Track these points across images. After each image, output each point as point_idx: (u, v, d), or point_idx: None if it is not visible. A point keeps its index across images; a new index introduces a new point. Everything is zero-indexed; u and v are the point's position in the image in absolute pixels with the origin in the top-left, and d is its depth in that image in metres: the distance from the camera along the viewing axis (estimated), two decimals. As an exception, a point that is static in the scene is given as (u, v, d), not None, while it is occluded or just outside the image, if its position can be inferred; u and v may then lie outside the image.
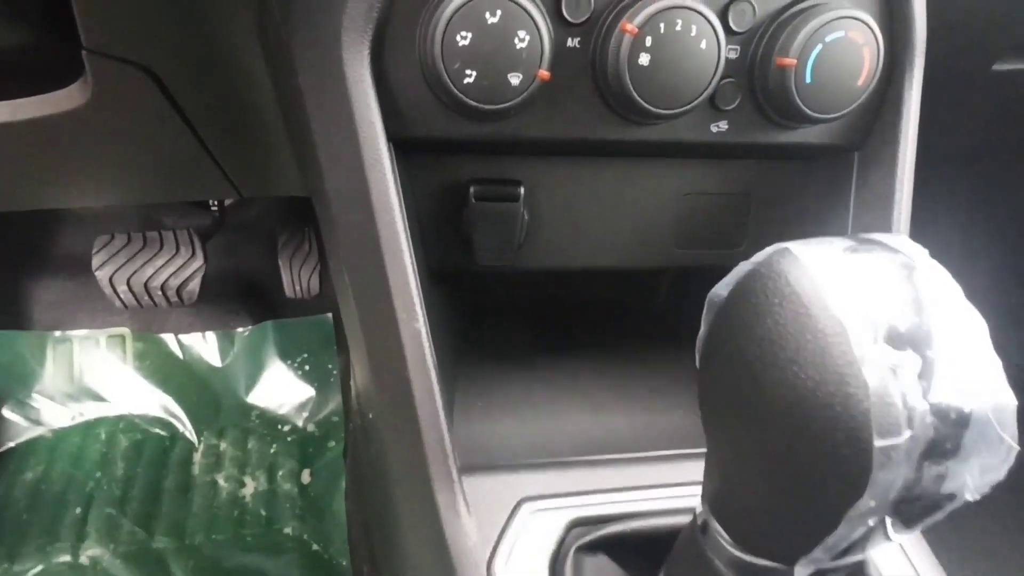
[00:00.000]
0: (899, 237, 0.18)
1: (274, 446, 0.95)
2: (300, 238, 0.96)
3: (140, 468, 0.88)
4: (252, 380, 1.01)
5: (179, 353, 1.00)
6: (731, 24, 0.34)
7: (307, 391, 1.00)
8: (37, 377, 0.93)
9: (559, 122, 0.34)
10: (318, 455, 0.94)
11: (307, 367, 1.01)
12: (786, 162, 0.42)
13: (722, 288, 0.21)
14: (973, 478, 0.15)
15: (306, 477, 0.91)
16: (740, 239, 0.44)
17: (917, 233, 0.38)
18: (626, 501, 0.32)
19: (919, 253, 0.17)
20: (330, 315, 1.04)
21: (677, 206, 0.43)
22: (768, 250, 0.18)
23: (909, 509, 0.16)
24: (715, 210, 0.43)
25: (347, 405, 0.96)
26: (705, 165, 0.41)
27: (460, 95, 0.30)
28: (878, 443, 0.15)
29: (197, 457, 0.92)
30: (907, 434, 0.15)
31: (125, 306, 0.85)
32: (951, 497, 0.16)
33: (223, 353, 1.02)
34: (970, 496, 0.16)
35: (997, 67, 0.65)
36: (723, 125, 0.36)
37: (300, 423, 0.98)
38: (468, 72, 0.30)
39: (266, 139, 0.52)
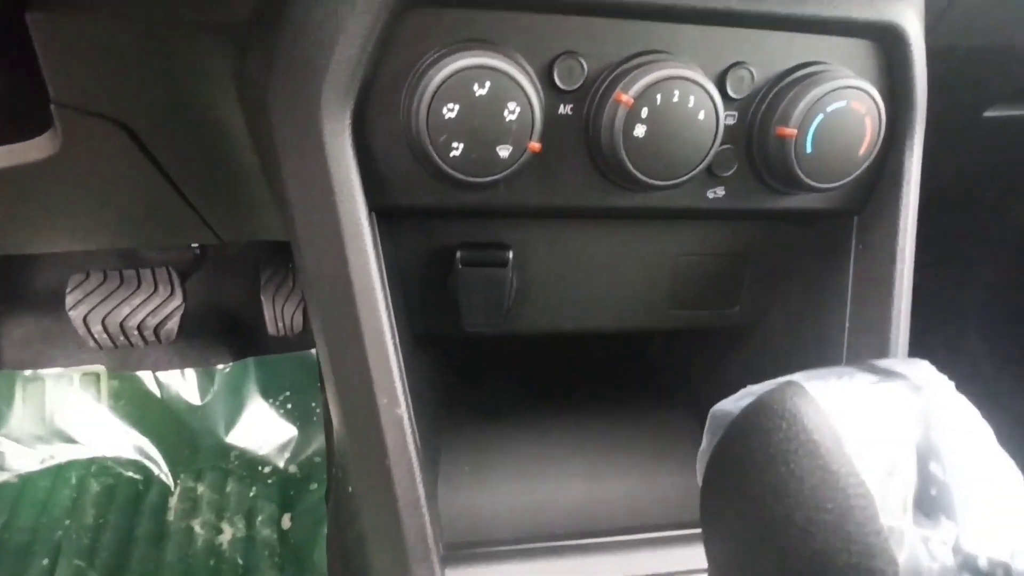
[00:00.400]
0: (919, 366, 0.16)
1: (254, 488, 0.91)
2: (283, 275, 0.94)
3: (112, 515, 0.84)
4: (232, 419, 0.98)
5: (156, 391, 0.96)
6: (729, 90, 0.32)
7: (289, 430, 0.97)
8: (4, 418, 0.90)
9: (551, 190, 0.33)
10: (299, 498, 0.90)
11: (289, 405, 0.98)
12: (784, 223, 0.40)
13: (729, 405, 0.19)
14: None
15: (286, 522, 0.88)
16: (735, 300, 0.43)
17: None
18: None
19: (943, 390, 0.16)
20: (314, 351, 1.01)
21: (671, 267, 0.41)
22: (779, 383, 0.17)
23: None
24: (710, 271, 0.42)
25: (330, 445, 0.93)
26: (700, 226, 0.40)
27: (447, 168, 0.29)
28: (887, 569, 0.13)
29: (173, 502, 0.89)
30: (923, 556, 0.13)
31: (100, 346, 0.82)
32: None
33: (203, 391, 0.98)
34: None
35: (988, 114, 0.65)
36: (720, 191, 0.35)
37: (281, 464, 0.95)
38: (455, 145, 0.28)
39: (245, 187, 0.50)
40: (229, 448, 0.95)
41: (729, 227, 0.40)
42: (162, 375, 0.97)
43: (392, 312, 0.32)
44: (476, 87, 0.28)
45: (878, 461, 0.14)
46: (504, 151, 0.29)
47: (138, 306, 0.82)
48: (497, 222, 0.37)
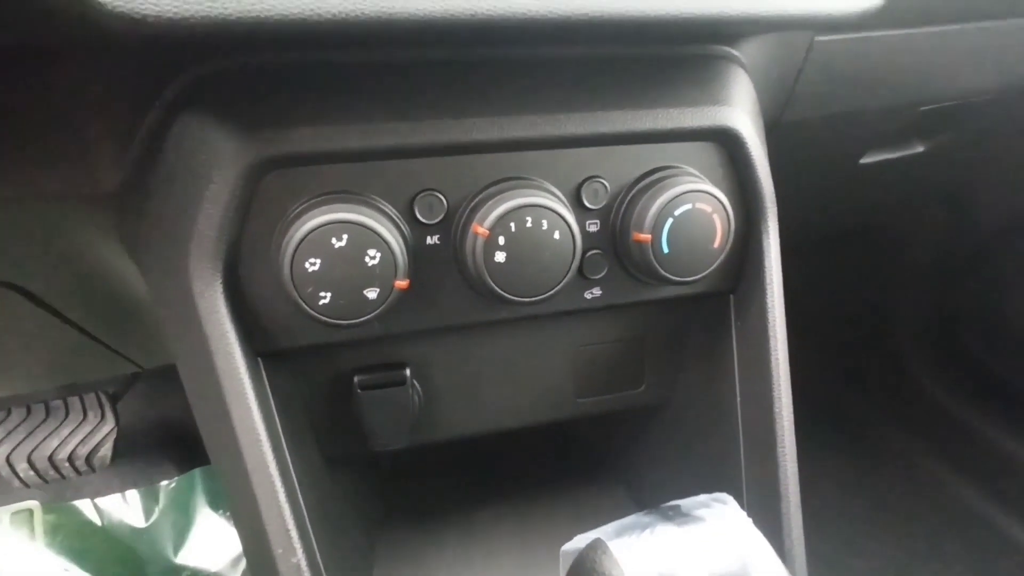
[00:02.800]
0: (720, 510, 0.18)
1: (208, 612, 0.87)
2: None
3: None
4: (181, 537, 0.94)
5: (97, 520, 0.92)
6: (585, 203, 0.35)
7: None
8: (-70, 574, 0.84)
9: (431, 313, 0.34)
10: None
11: (240, 514, 0.95)
12: (673, 306, 0.42)
13: (572, 546, 0.20)
14: None
15: None
16: (640, 381, 0.44)
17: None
18: None
19: (740, 531, 0.17)
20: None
21: (572, 358, 0.42)
22: (589, 539, 0.18)
23: None
24: (611, 356, 0.43)
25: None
26: (596, 317, 0.42)
27: (318, 315, 0.30)
28: None
29: (121, 640, 0.84)
30: None
31: (27, 485, 0.79)
32: None
33: (147, 511, 0.94)
34: None
35: (864, 161, 0.70)
36: (596, 291, 0.37)
37: (236, 579, 0.91)
38: (323, 294, 0.30)
39: (153, 318, 0.50)
40: (179, 569, 0.91)
41: (623, 313, 0.42)
42: (101, 502, 0.92)
43: (287, 447, 0.32)
44: (334, 240, 0.29)
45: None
46: (372, 293, 0.30)
47: (67, 436, 0.79)
48: (391, 341, 0.38)
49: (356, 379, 0.37)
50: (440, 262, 0.33)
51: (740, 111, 0.36)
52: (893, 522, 0.97)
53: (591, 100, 0.33)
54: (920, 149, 0.72)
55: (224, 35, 0.23)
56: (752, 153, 0.36)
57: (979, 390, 1.05)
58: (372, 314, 0.30)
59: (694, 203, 0.34)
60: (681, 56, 0.35)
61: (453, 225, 0.32)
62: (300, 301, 0.29)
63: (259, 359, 0.32)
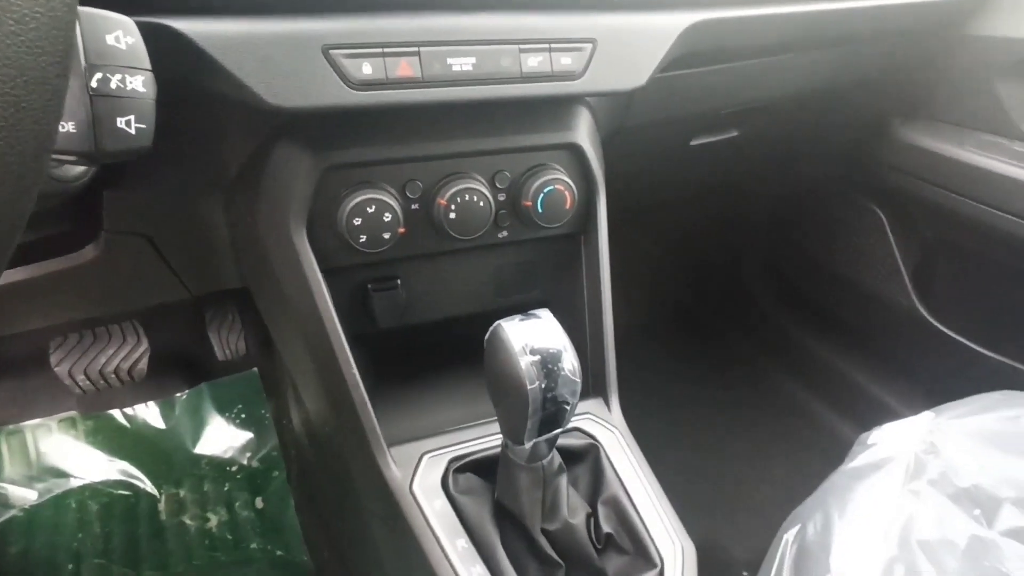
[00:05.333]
0: (544, 312, 0.48)
1: (227, 484, 1.14)
2: (223, 315, 1.17)
3: (114, 524, 1.05)
4: (196, 435, 1.20)
5: (126, 423, 1.17)
6: (497, 185, 0.63)
7: (246, 435, 1.21)
8: None
9: (415, 246, 0.62)
10: (266, 485, 1.15)
11: (243, 416, 1.22)
12: (551, 241, 0.72)
13: (489, 331, 0.49)
14: (566, 394, 0.45)
15: (259, 503, 1.12)
16: (532, 287, 0.74)
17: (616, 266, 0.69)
18: (478, 445, 0.60)
19: (548, 317, 0.47)
20: (255, 370, 1.25)
21: (494, 273, 0.72)
22: (498, 322, 0.47)
23: (548, 409, 0.45)
24: (516, 272, 0.72)
25: (283, 440, 1.18)
26: (505, 248, 0.70)
27: (358, 247, 0.57)
28: (529, 386, 0.44)
29: (162, 506, 1.10)
30: (537, 383, 0.44)
31: (84, 392, 1.02)
32: (565, 403, 0.46)
33: (166, 417, 1.19)
34: (570, 398, 0.45)
35: (693, 143, 1.01)
36: (505, 233, 0.66)
37: (245, 462, 1.18)
38: (361, 236, 0.57)
39: (215, 254, 0.75)
40: (199, 458, 1.17)
41: (521, 246, 0.71)
42: (128, 411, 1.17)
43: (337, 319, 0.60)
44: (367, 208, 0.56)
45: (519, 342, 0.45)
46: (387, 235, 0.58)
47: (111, 355, 1.02)
48: (389, 266, 0.66)
49: (370, 286, 0.65)
50: (420, 220, 0.61)
51: (582, 132, 0.65)
52: (727, 410, 1.34)
53: (500, 128, 0.61)
54: (735, 133, 1.04)
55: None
56: (589, 157, 0.65)
57: (800, 309, 1.43)
58: (387, 247, 0.59)
59: (555, 185, 0.63)
60: (549, 103, 0.63)
61: (428, 198, 0.61)
62: (349, 240, 0.57)
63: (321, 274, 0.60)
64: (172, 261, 0.71)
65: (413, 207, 0.60)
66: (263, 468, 1.17)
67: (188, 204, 0.63)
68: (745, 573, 0.94)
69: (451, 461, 0.58)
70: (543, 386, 0.44)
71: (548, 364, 0.45)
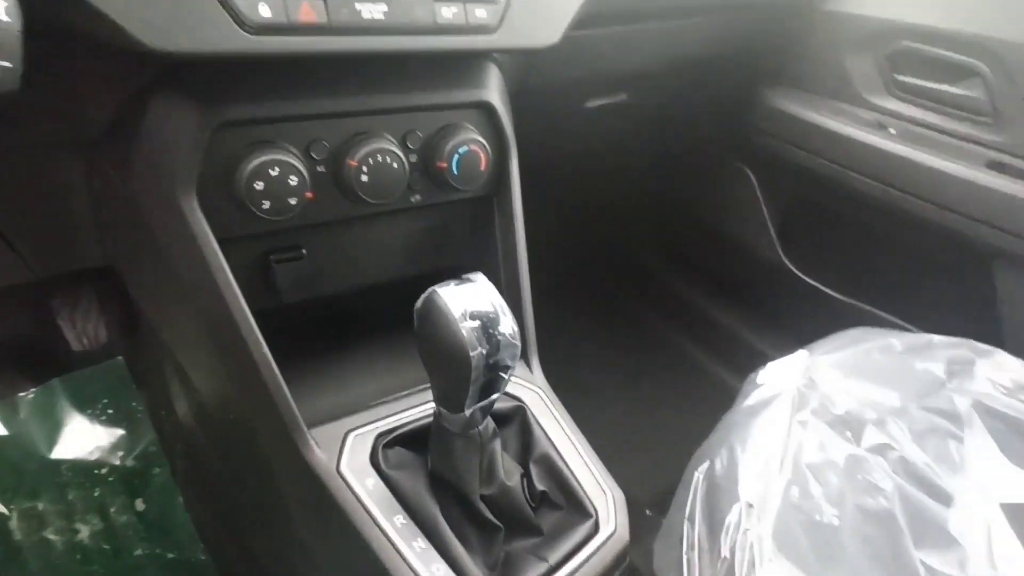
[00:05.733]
0: (478, 275, 0.46)
1: (97, 490, 1.02)
2: (76, 295, 1.02)
3: (-46, 552, 0.89)
4: (52, 438, 1.04)
5: (-43, 435, 0.99)
6: (409, 145, 0.60)
7: (116, 433, 1.07)
8: None
9: (323, 212, 0.57)
10: (146, 484, 1.03)
11: (110, 411, 1.08)
12: (463, 204, 0.70)
13: (420, 299, 0.47)
14: (507, 358, 0.44)
15: (140, 505, 1.01)
16: (446, 253, 0.72)
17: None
18: (406, 418, 0.58)
19: (484, 281, 0.46)
20: (121, 359, 1.11)
21: (405, 240, 0.68)
22: (432, 288, 0.45)
23: (488, 375, 0.44)
24: (429, 238, 0.70)
25: (163, 434, 1.07)
26: (419, 212, 0.67)
27: (262, 215, 0.52)
28: (472, 352, 0.43)
29: (14, 524, 0.96)
30: (479, 348, 0.43)
31: None
32: (506, 367, 0.45)
33: (7, 422, 1.03)
34: (511, 362, 0.45)
35: (589, 104, 1.03)
36: (418, 197, 0.63)
37: (118, 462, 1.06)
38: (264, 202, 0.52)
39: (70, 228, 0.64)
40: (58, 464, 1.03)
41: (435, 210, 0.68)
42: (-41, 419, 0.99)
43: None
44: (271, 171, 0.51)
45: (456, 307, 0.43)
46: (293, 200, 0.53)
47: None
48: (293, 234, 0.60)
49: (271, 256, 0.59)
50: (327, 183, 0.56)
51: (492, 90, 0.63)
52: (622, 364, 1.42)
53: (411, 85, 0.58)
54: (624, 97, 1.07)
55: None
56: (500, 116, 0.64)
57: (683, 265, 1.53)
58: (294, 212, 0.53)
59: (470, 145, 0.61)
60: (461, 59, 0.61)
61: (335, 160, 0.56)
62: (251, 207, 0.51)
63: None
64: (12, 237, 0.60)
65: (319, 169, 0.55)
66: (140, 467, 1.06)
67: (37, 167, 0.53)
68: (648, 512, 1.00)
69: (378, 437, 0.55)
70: (485, 352, 0.43)
71: (489, 329, 0.44)
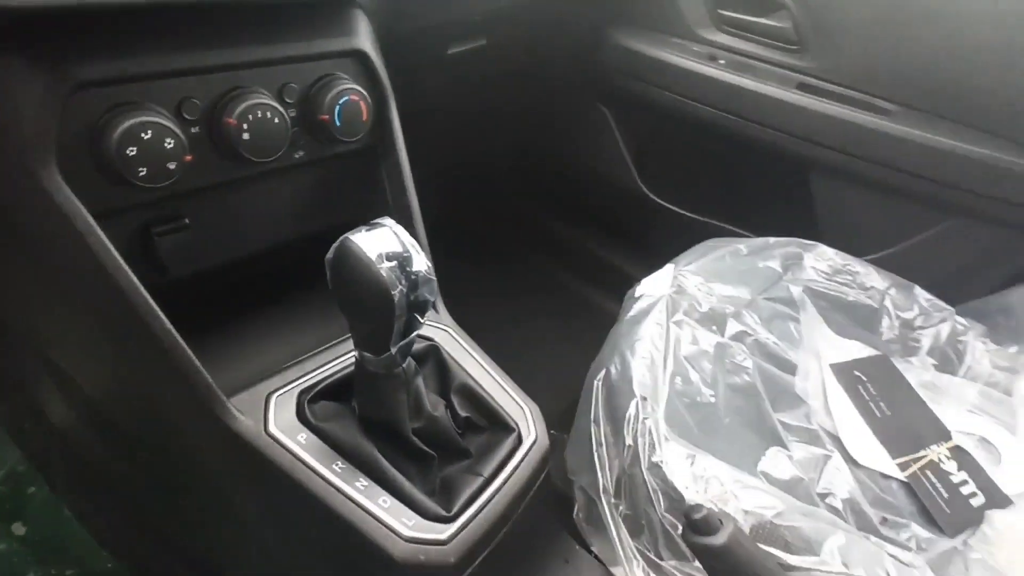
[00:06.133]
0: (386, 219, 0.48)
1: (-40, 522, 0.90)
2: None
3: None
4: None
5: None
6: (286, 99, 0.58)
7: (-31, 457, 0.95)
8: None
9: (204, 175, 0.55)
10: (23, 505, 0.94)
11: (-43, 436, 0.95)
12: (346, 158, 0.69)
13: (332, 248, 0.48)
14: (426, 293, 0.47)
15: (20, 529, 0.92)
16: (336, 210, 0.71)
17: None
18: (325, 372, 0.59)
19: (392, 224, 0.47)
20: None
21: (291, 198, 0.67)
22: (344, 235, 0.46)
23: (409, 313, 0.47)
24: (314, 196, 0.69)
25: (31, 448, 0.96)
26: (304, 169, 0.66)
27: (139, 183, 0.49)
28: (393, 292, 0.45)
29: None
30: (399, 287, 0.45)
31: None
32: (426, 302, 0.47)
33: None
34: (430, 296, 0.47)
35: (450, 51, 1.04)
36: (301, 153, 0.62)
37: (-21, 489, 0.94)
38: (140, 169, 0.48)
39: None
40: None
41: (321, 165, 0.67)
42: None
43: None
44: (143, 134, 0.48)
45: (371, 250, 0.45)
46: (172, 164, 0.50)
47: None
48: (171, 202, 0.57)
49: (153, 229, 0.56)
50: (203, 144, 0.54)
51: (363, 38, 0.63)
52: (507, 297, 1.49)
53: (280, 35, 0.56)
54: (484, 41, 1.09)
55: None
56: (375, 63, 0.64)
57: (553, 201, 1.61)
58: (173, 179, 0.51)
59: (350, 95, 0.61)
60: (328, 6, 0.59)
61: (211, 119, 0.53)
62: (127, 175, 0.48)
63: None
64: None
65: (193, 131, 0.53)
66: (8, 490, 0.95)
67: None
68: (552, 432, 1.09)
69: (301, 394, 0.56)
70: (405, 289, 0.45)
71: (405, 267, 0.46)
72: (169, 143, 0.49)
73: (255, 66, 0.55)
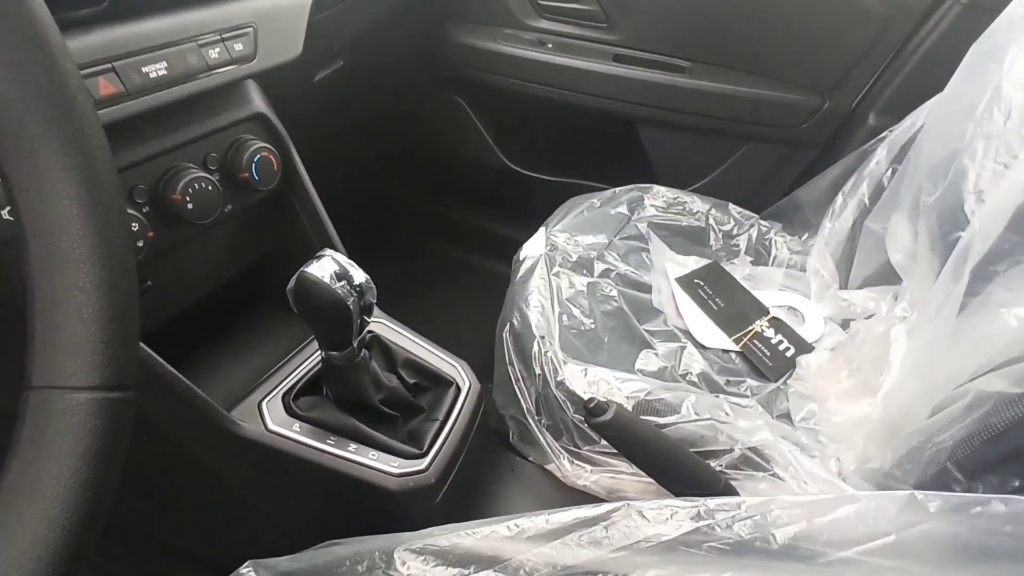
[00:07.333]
0: (326, 250, 0.63)
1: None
2: None
3: None
4: None
5: None
6: (210, 166, 0.70)
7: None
8: None
9: (160, 245, 0.67)
10: None
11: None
12: (264, 203, 0.81)
13: (293, 280, 0.63)
14: (370, 297, 0.63)
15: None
16: (263, 243, 0.84)
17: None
18: (298, 375, 0.74)
19: (332, 252, 0.63)
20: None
21: (227, 242, 0.79)
22: (301, 269, 0.61)
23: (360, 315, 0.63)
24: (249, 235, 0.81)
25: None
26: (232, 221, 0.78)
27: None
28: (348, 302, 0.61)
29: None
30: (352, 298, 0.61)
31: None
32: (372, 304, 0.64)
33: None
34: (372, 298, 0.64)
35: (316, 79, 1.15)
36: (230, 207, 0.74)
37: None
38: None
39: None
40: None
41: (248, 212, 0.78)
42: None
43: None
44: None
45: (322, 273, 0.60)
46: (140, 243, 0.62)
47: None
48: (141, 271, 0.68)
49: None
50: (156, 219, 0.65)
51: (259, 102, 0.76)
52: (405, 279, 1.64)
53: (198, 117, 0.68)
54: (342, 63, 1.21)
55: None
56: (273, 121, 0.77)
57: (431, 189, 1.76)
58: (142, 255, 0.63)
59: (261, 153, 0.74)
60: (230, 84, 0.72)
61: (156, 198, 0.65)
62: None
63: None
64: None
65: (145, 210, 0.65)
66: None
67: None
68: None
69: (285, 395, 0.71)
70: (356, 298, 0.62)
71: (352, 283, 0.62)
72: (135, 226, 0.61)
73: (182, 146, 0.67)
